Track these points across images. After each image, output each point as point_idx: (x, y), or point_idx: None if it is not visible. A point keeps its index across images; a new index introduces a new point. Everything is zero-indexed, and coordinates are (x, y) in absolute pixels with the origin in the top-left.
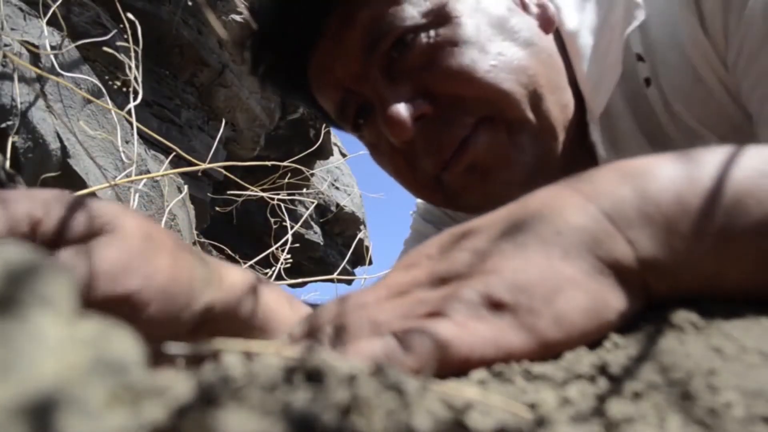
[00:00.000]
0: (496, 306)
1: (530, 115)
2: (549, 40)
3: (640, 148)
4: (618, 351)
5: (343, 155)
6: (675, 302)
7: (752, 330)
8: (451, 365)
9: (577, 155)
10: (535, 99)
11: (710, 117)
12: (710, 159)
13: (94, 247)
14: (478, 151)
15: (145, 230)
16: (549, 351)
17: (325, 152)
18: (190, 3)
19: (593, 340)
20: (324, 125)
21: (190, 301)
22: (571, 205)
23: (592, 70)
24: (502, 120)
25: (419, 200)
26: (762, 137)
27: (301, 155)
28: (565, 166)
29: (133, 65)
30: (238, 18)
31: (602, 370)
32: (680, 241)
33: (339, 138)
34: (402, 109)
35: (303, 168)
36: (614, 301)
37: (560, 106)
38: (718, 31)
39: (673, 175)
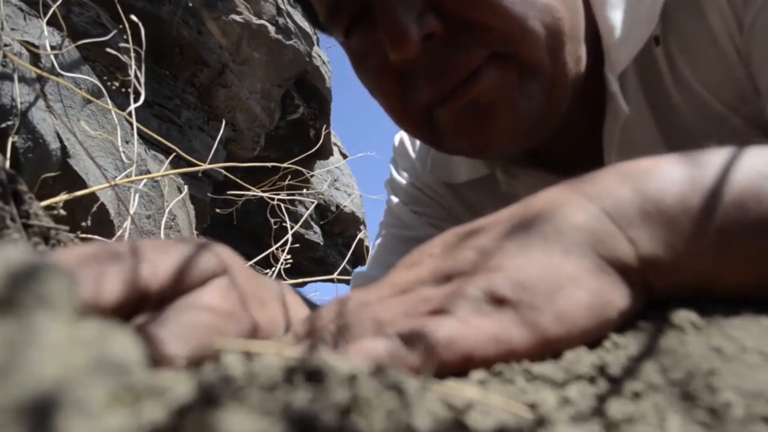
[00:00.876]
0: (498, 302)
1: (546, 62)
2: None
3: (641, 112)
4: (618, 351)
5: (344, 155)
6: (675, 302)
7: (752, 329)
8: (454, 362)
9: (581, 110)
10: (556, 45)
11: (718, 83)
12: (711, 160)
13: (199, 297)
14: (484, 87)
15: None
16: (550, 348)
17: (325, 152)
18: (190, 4)
19: (594, 337)
20: (324, 126)
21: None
22: (572, 204)
23: (625, 18)
24: (516, 60)
25: (400, 180)
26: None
27: (301, 156)
28: (569, 120)
29: (134, 66)
30: (238, 18)
31: (602, 370)
32: (681, 240)
33: (339, 138)
34: (411, 25)
35: (303, 169)
36: (616, 299)
37: (575, 59)
38: None
39: (675, 176)
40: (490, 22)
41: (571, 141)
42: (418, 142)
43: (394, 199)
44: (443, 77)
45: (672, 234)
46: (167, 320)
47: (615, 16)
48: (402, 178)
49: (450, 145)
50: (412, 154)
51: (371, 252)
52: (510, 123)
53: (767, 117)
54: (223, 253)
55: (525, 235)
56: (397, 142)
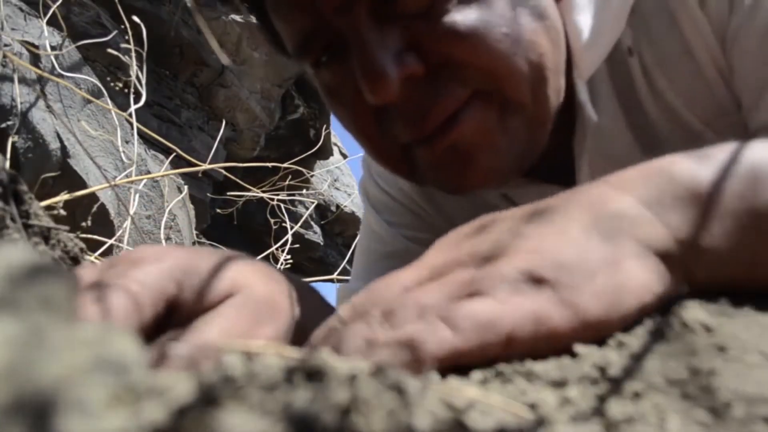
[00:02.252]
0: (537, 283)
1: (529, 99)
2: (556, 11)
3: (616, 121)
4: (621, 350)
5: (344, 155)
6: (684, 299)
7: (752, 329)
8: (497, 344)
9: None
10: (539, 82)
11: (694, 96)
12: (726, 149)
13: (212, 317)
14: (465, 130)
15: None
16: (589, 329)
17: (325, 152)
18: (189, 5)
19: (631, 320)
20: (324, 126)
21: None
22: (607, 194)
23: (593, 22)
24: (498, 97)
25: (372, 187)
26: (754, 123)
27: (301, 156)
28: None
29: (135, 66)
30: (238, 18)
31: (603, 370)
32: (717, 225)
33: (339, 138)
34: (390, 67)
35: (303, 169)
36: (653, 282)
37: (556, 91)
38: (721, 2)
39: (696, 166)
40: (475, 62)
41: (546, 149)
42: None
43: (368, 206)
44: (423, 120)
45: (707, 219)
46: (182, 342)
47: (582, 19)
48: (374, 184)
49: (431, 183)
50: None
51: (355, 259)
52: (491, 163)
53: (751, 129)
54: (241, 269)
55: (561, 219)
56: None
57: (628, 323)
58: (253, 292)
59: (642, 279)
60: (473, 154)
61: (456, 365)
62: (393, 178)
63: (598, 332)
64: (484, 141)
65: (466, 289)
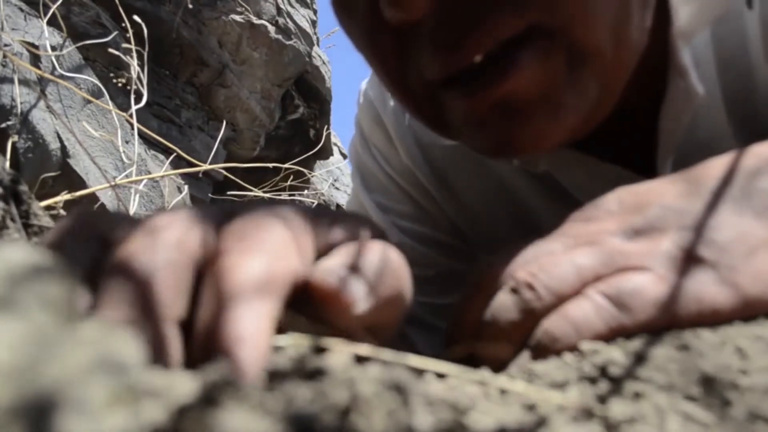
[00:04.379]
0: (695, 261)
1: (606, 45)
2: None
3: (712, 96)
4: (625, 349)
5: (344, 155)
6: None
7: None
8: (661, 324)
9: (632, 83)
10: (621, 20)
11: None
12: None
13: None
14: (522, 80)
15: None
16: (750, 308)
17: (325, 152)
18: (190, 6)
19: None
20: (325, 126)
21: None
22: (756, 169)
23: None
24: (566, 41)
25: (366, 159)
26: None
27: (301, 156)
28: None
29: (136, 66)
30: (238, 18)
31: (604, 370)
32: None
33: (339, 138)
34: None
35: (304, 170)
36: None
37: (641, 30)
38: None
39: None
40: None
41: (617, 121)
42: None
43: (358, 180)
44: (458, 49)
45: None
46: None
47: None
48: (369, 155)
49: (465, 140)
50: (380, 110)
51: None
52: (549, 127)
53: None
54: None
55: (712, 196)
56: (362, 97)
57: None
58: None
59: None
60: (529, 113)
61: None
62: (395, 152)
63: (759, 311)
64: (546, 96)
65: (623, 259)
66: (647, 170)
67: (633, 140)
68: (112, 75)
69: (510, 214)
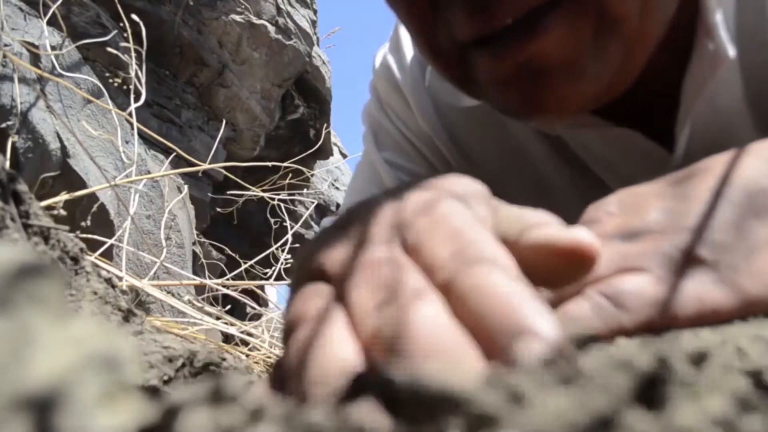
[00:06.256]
0: (695, 262)
1: (634, 12)
2: None
3: (732, 62)
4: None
5: (343, 155)
6: None
7: None
8: (661, 324)
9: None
10: None
11: None
12: None
13: None
14: (549, 43)
15: None
16: (750, 308)
17: (325, 152)
18: (191, 3)
19: None
20: (324, 126)
21: None
22: (755, 167)
23: None
24: (594, 5)
25: (382, 120)
26: None
27: (301, 156)
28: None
29: (134, 65)
30: (238, 18)
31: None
32: None
33: (339, 138)
34: None
35: (304, 169)
36: None
37: (670, 1)
38: None
39: None
40: None
41: (638, 86)
42: (408, 58)
43: (371, 141)
44: (489, 12)
45: None
46: None
47: None
48: (384, 115)
49: (489, 100)
50: (398, 75)
51: (345, 198)
52: (570, 92)
53: None
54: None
55: (711, 196)
56: (378, 62)
57: None
58: None
59: None
60: (552, 76)
61: None
62: (411, 115)
63: (759, 311)
64: (570, 61)
65: (622, 261)
66: (665, 138)
67: (652, 106)
68: (108, 75)
69: (525, 180)
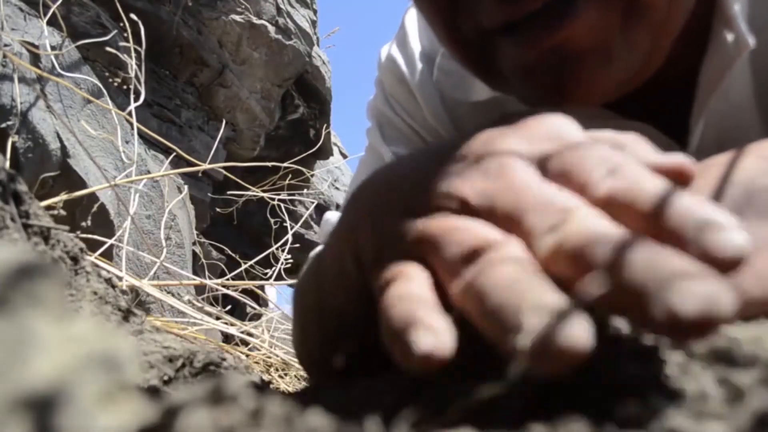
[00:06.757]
0: None
1: (664, 1)
2: None
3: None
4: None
5: (344, 155)
6: None
7: None
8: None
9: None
10: None
11: None
12: None
13: None
14: (579, 28)
15: None
16: (751, 308)
17: (325, 152)
18: (190, 3)
19: None
20: (324, 126)
21: None
22: (757, 167)
23: None
24: None
25: (387, 111)
26: None
27: (301, 156)
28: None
29: (134, 65)
30: (238, 18)
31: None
32: None
33: (339, 138)
34: None
35: (303, 169)
36: None
37: None
38: None
39: None
40: None
41: (654, 78)
42: (416, 52)
43: (377, 134)
44: (517, 1)
45: None
46: None
47: None
48: (389, 109)
49: (513, 89)
50: (405, 70)
51: (349, 189)
52: (598, 78)
53: None
54: None
55: (711, 196)
56: (384, 58)
57: None
58: None
59: None
60: (580, 61)
61: None
62: (418, 109)
63: (759, 311)
64: (599, 47)
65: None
66: (678, 130)
67: (664, 98)
68: (108, 75)
69: None
